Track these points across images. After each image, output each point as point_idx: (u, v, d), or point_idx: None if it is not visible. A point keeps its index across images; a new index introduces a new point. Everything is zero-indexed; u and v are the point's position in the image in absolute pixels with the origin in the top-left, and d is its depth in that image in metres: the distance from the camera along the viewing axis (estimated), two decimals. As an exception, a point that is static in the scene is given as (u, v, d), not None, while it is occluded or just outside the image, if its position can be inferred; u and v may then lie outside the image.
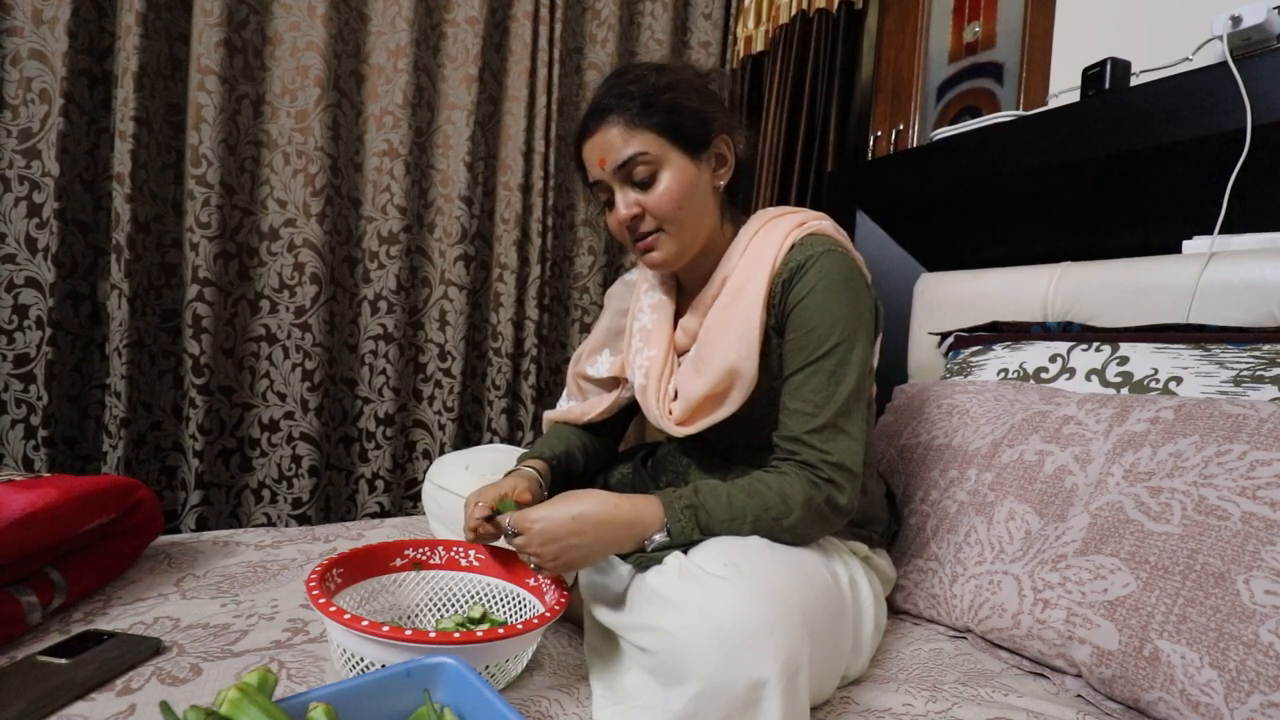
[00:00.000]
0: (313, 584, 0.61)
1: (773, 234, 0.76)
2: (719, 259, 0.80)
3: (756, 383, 0.74)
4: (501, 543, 0.73)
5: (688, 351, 0.82)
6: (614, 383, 0.92)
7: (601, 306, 1.64)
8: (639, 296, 0.90)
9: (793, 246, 0.74)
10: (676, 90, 0.74)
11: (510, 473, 0.83)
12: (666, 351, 0.83)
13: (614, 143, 0.73)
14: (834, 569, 0.69)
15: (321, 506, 1.39)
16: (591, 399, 0.94)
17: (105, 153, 1.22)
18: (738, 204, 0.84)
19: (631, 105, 0.72)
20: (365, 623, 0.55)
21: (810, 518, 0.66)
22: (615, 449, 1.01)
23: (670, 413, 0.80)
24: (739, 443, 0.81)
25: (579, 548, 0.64)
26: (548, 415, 0.99)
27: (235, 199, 1.31)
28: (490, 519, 0.73)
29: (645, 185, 0.73)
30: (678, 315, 0.86)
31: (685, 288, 0.87)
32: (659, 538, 0.64)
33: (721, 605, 0.54)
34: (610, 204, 0.77)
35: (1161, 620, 0.62)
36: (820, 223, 0.78)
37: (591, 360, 0.94)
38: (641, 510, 0.65)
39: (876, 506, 0.84)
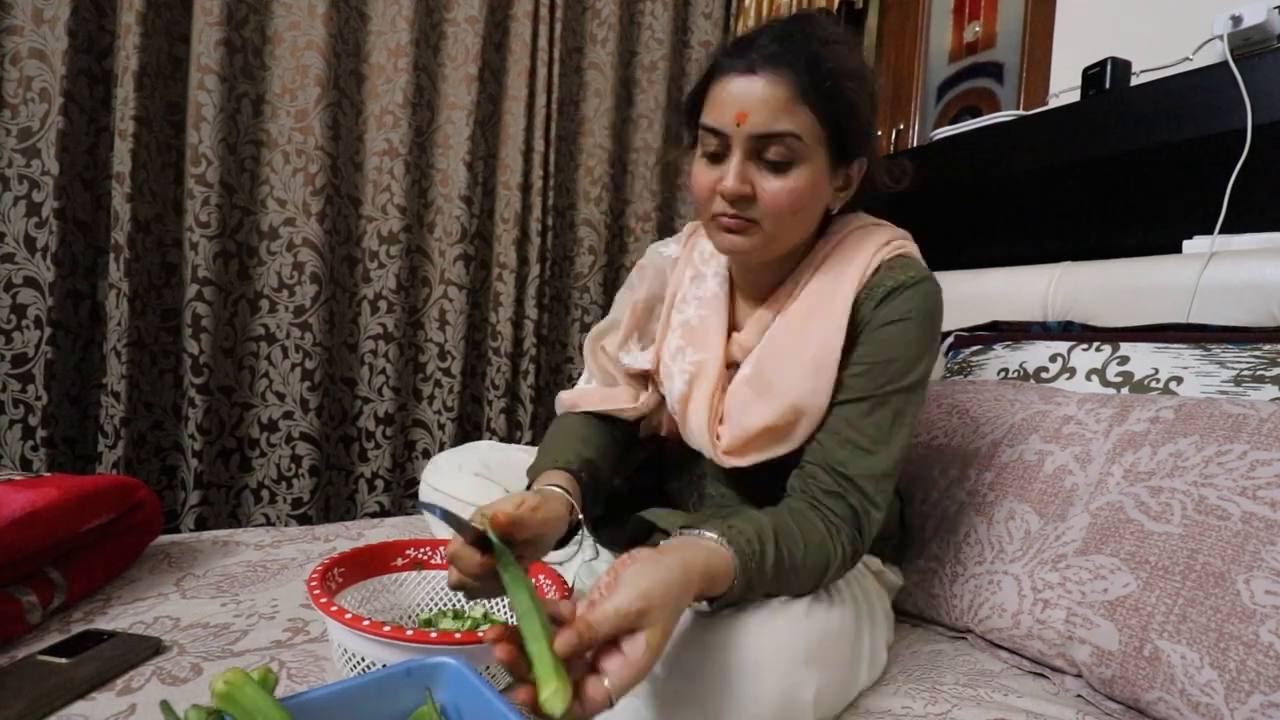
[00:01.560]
0: (314, 583, 0.61)
1: (861, 247, 0.68)
2: (794, 260, 0.70)
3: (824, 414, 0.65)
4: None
5: (738, 362, 0.71)
6: (645, 377, 0.80)
7: (601, 306, 1.65)
8: (684, 282, 0.77)
9: (880, 267, 0.66)
10: (858, 83, 0.62)
11: (536, 492, 0.65)
12: (720, 361, 0.71)
13: (772, 104, 0.59)
14: (851, 592, 0.67)
15: (321, 506, 1.39)
16: (621, 388, 0.80)
17: (105, 152, 1.22)
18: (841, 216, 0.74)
19: (812, 74, 0.59)
20: (366, 622, 0.55)
21: (832, 577, 0.61)
22: (636, 439, 0.85)
23: (718, 438, 0.69)
24: (787, 473, 0.68)
25: (676, 612, 0.48)
26: (565, 396, 0.83)
27: (235, 198, 1.31)
28: (482, 546, 0.54)
29: (775, 168, 0.61)
30: (730, 315, 0.75)
31: (740, 282, 0.75)
32: (708, 603, 0.54)
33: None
34: (715, 156, 0.64)
35: (1162, 620, 0.62)
36: (910, 244, 0.70)
37: (626, 347, 0.80)
38: (717, 571, 0.52)
39: (892, 524, 0.82)
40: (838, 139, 0.63)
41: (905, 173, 0.71)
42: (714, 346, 0.72)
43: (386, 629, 0.54)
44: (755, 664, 0.53)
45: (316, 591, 0.60)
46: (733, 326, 0.74)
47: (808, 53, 0.60)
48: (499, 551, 0.52)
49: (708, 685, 0.52)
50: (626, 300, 0.82)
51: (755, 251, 0.66)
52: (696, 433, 0.71)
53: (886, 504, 0.64)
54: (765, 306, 0.71)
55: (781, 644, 0.54)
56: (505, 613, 0.73)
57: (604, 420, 0.79)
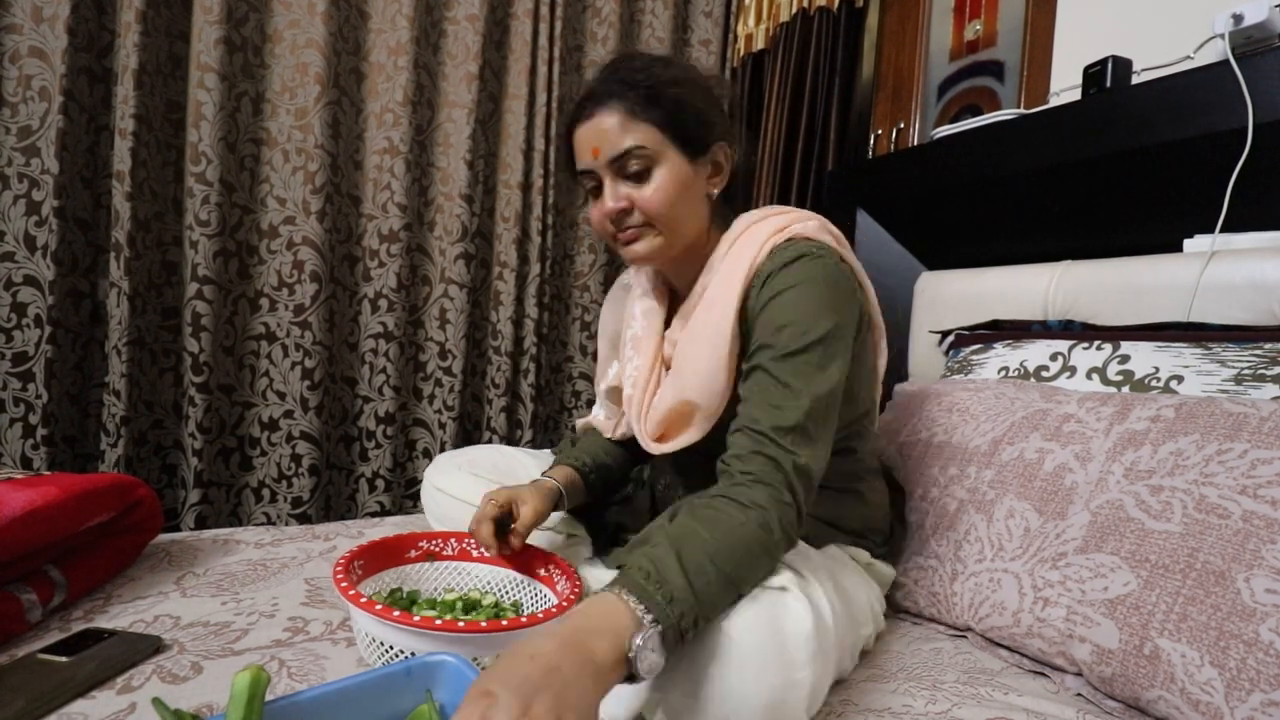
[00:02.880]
0: (340, 576, 0.64)
1: (752, 239, 0.72)
2: (704, 255, 0.76)
3: (729, 402, 0.69)
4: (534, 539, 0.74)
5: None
6: (620, 396, 0.88)
7: (601, 305, 1.65)
8: (632, 302, 0.86)
9: (771, 251, 0.70)
10: (683, 86, 0.71)
11: (534, 482, 0.81)
12: (653, 361, 0.79)
13: (611, 132, 0.69)
14: (841, 577, 0.67)
15: (321, 506, 1.39)
16: (616, 416, 0.90)
17: (105, 150, 1.22)
18: (731, 213, 0.79)
19: (634, 94, 0.69)
20: (397, 613, 0.58)
21: (772, 557, 0.58)
22: (631, 453, 0.94)
23: (646, 428, 0.77)
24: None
25: (566, 689, 0.42)
26: (580, 422, 0.98)
27: (235, 197, 1.31)
28: (500, 527, 0.73)
29: (638, 179, 0.70)
30: (668, 323, 0.83)
31: (679, 293, 0.83)
32: (640, 639, 0.47)
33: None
34: (596, 193, 0.73)
35: (1162, 619, 0.62)
36: (805, 224, 0.73)
37: (604, 373, 0.92)
38: (604, 614, 0.48)
39: (879, 517, 0.83)
40: (682, 135, 0.70)
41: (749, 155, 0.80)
42: (649, 350, 0.80)
43: (417, 619, 0.58)
44: (728, 664, 0.51)
45: (344, 584, 0.62)
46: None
47: (625, 80, 0.70)
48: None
49: (692, 691, 0.52)
50: (601, 333, 0.95)
51: (658, 252, 0.73)
52: (635, 426, 0.78)
53: (814, 457, 0.62)
54: (685, 308, 0.77)
55: (757, 641, 0.52)
56: (528, 605, 0.76)
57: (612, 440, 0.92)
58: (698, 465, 0.74)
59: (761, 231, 0.72)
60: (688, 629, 0.50)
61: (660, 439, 0.75)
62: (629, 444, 0.91)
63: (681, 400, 0.72)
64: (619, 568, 0.55)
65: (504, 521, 0.75)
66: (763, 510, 0.57)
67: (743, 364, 0.69)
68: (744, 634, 0.52)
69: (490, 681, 0.40)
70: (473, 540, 0.80)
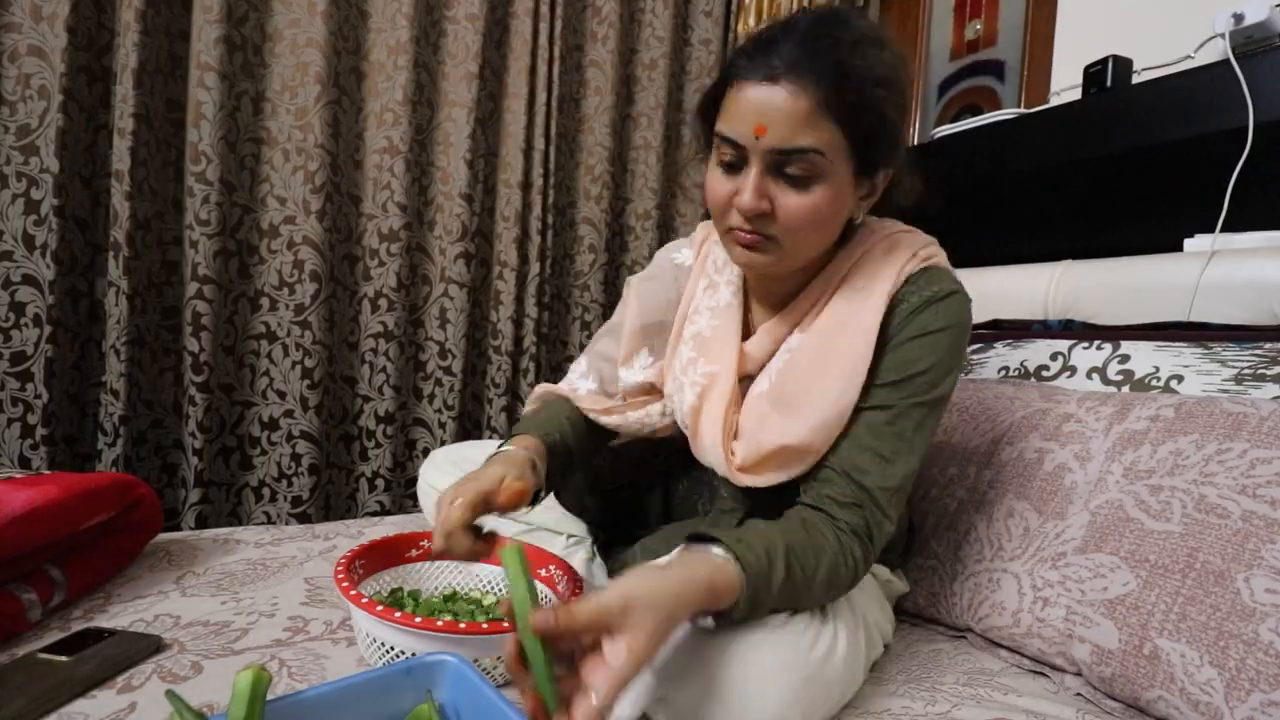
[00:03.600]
0: (341, 576, 0.64)
1: (889, 259, 0.65)
2: (814, 270, 0.67)
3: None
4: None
5: (752, 375, 0.69)
6: (647, 390, 0.77)
7: (601, 305, 1.65)
8: (696, 292, 0.74)
9: (909, 279, 0.64)
10: (889, 90, 0.58)
11: (492, 458, 0.65)
12: (732, 374, 0.68)
13: (794, 118, 0.55)
14: (850, 606, 0.65)
15: (321, 505, 1.38)
16: (616, 405, 0.78)
17: (104, 149, 1.21)
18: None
19: (838, 85, 0.55)
20: (398, 614, 0.58)
21: (839, 592, 0.60)
22: (607, 440, 0.83)
23: (732, 454, 0.66)
24: (799, 485, 0.66)
25: (669, 633, 0.47)
26: (543, 388, 0.82)
27: (235, 196, 1.31)
28: (477, 531, 0.60)
29: (794, 183, 0.58)
30: (745, 325, 0.72)
31: (755, 290, 0.72)
32: (711, 620, 0.53)
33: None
34: (731, 166, 0.60)
35: (1161, 619, 0.62)
36: (939, 254, 0.68)
37: (628, 361, 0.77)
38: (722, 587, 0.51)
39: (899, 533, 0.81)
40: (864, 151, 0.59)
41: (917, 190, 0.69)
42: (728, 359, 0.68)
43: (418, 620, 0.58)
44: (746, 679, 0.52)
45: (345, 584, 0.62)
46: (745, 336, 0.72)
47: (834, 61, 0.55)
48: (512, 565, 0.48)
49: (702, 700, 0.52)
50: (634, 308, 0.79)
51: (772, 267, 0.63)
52: (709, 449, 0.68)
53: (897, 518, 0.62)
54: (781, 317, 0.68)
55: (782, 661, 0.54)
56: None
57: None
58: (775, 490, 0.67)
59: (899, 252, 0.65)
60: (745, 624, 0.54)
61: (751, 470, 0.66)
62: (602, 430, 0.78)
63: (800, 441, 0.62)
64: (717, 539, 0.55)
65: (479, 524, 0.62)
66: (852, 563, 0.59)
67: (867, 383, 0.62)
68: (765, 649, 0.53)
69: (635, 599, 0.44)
70: None
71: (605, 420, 0.76)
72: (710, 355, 0.70)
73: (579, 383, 0.80)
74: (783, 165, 0.58)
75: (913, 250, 0.66)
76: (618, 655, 0.43)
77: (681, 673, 0.53)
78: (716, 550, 0.53)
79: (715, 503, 0.76)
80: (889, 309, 0.63)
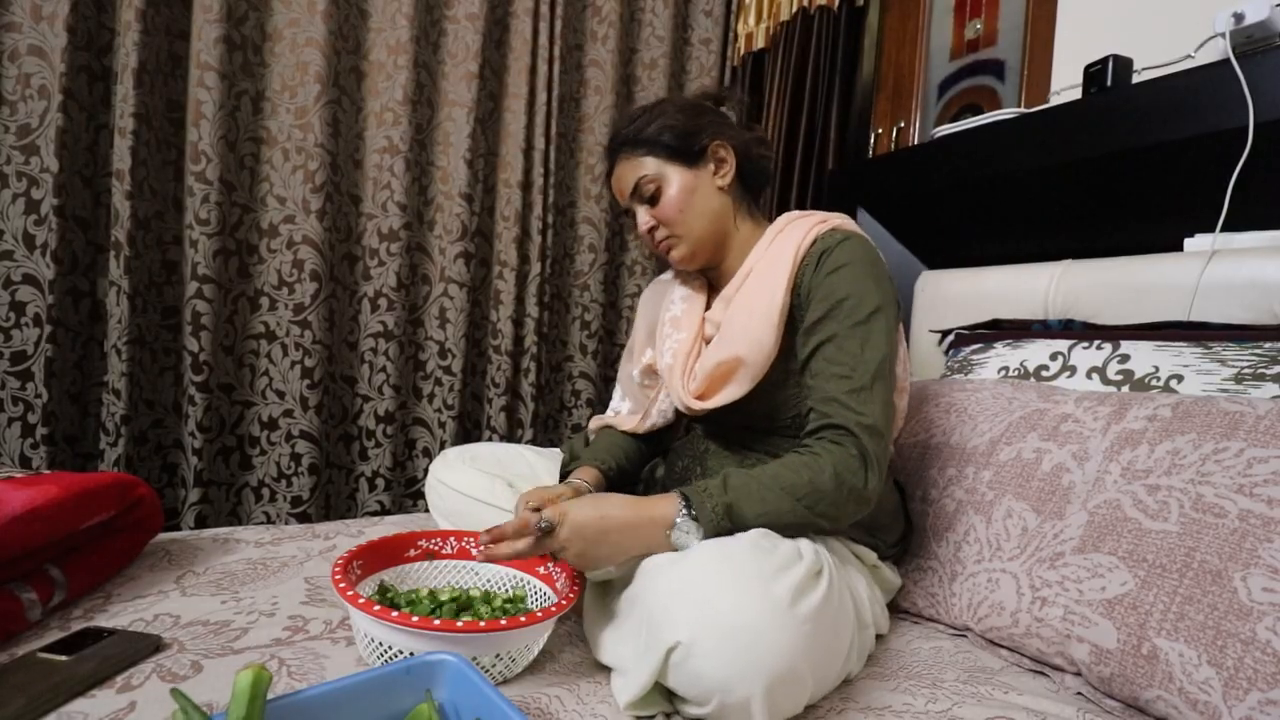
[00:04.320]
0: (338, 577, 0.64)
1: (797, 229, 0.81)
2: (744, 256, 0.85)
3: (773, 363, 0.77)
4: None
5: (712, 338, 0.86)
6: (651, 372, 0.95)
7: (601, 304, 1.66)
8: (671, 291, 0.95)
9: (817, 239, 0.79)
10: (663, 116, 0.83)
11: (564, 483, 0.86)
12: (695, 336, 0.88)
13: (623, 174, 0.85)
14: (845, 573, 0.70)
15: (321, 505, 1.39)
16: (646, 405, 0.95)
17: (105, 149, 1.22)
18: (758, 197, 0.90)
19: (628, 144, 0.84)
20: (395, 614, 0.58)
21: (844, 499, 0.67)
22: (650, 449, 1.01)
23: (691, 383, 0.84)
24: (757, 427, 0.82)
25: (604, 547, 0.66)
26: (596, 421, 1.02)
27: (235, 196, 1.31)
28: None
29: (653, 201, 0.83)
30: (708, 306, 0.91)
31: (716, 285, 0.91)
32: (679, 527, 0.65)
33: (723, 603, 0.55)
34: (632, 215, 0.87)
35: (1159, 618, 0.62)
36: (844, 220, 0.83)
37: (638, 358, 0.98)
38: (663, 505, 0.67)
39: (888, 515, 0.83)
40: (672, 153, 0.82)
41: (760, 142, 0.88)
42: (691, 326, 0.88)
43: (415, 619, 0.58)
44: (745, 629, 0.55)
45: (342, 585, 0.63)
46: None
47: (620, 137, 0.85)
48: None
49: (703, 660, 0.55)
50: (638, 322, 1.01)
51: (690, 253, 0.84)
52: (677, 387, 0.85)
53: (878, 419, 0.69)
54: (727, 291, 0.85)
55: (774, 604, 0.56)
56: (532, 599, 0.76)
57: (632, 434, 0.97)
58: (728, 433, 0.85)
59: (805, 222, 0.81)
60: (719, 522, 0.65)
61: (702, 396, 0.82)
62: (648, 439, 0.97)
63: (730, 355, 0.78)
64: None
65: None
66: (816, 457, 0.68)
67: (797, 340, 0.77)
68: (747, 544, 0.61)
69: (570, 513, 0.65)
70: (472, 539, 0.81)
71: (644, 429, 0.95)
72: (680, 327, 0.90)
73: (620, 406, 1.01)
74: (642, 196, 0.84)
75: (820, 219, 0.82)
76: (547, 542, 0.65)
77: (689, 637, 0.55)
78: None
79: (706, 474, 0.85)
80: (801, 264, 0.78)
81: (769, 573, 0.58)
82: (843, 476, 0.67)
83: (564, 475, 0.94)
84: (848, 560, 0.75)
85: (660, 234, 0.84)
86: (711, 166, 0.84)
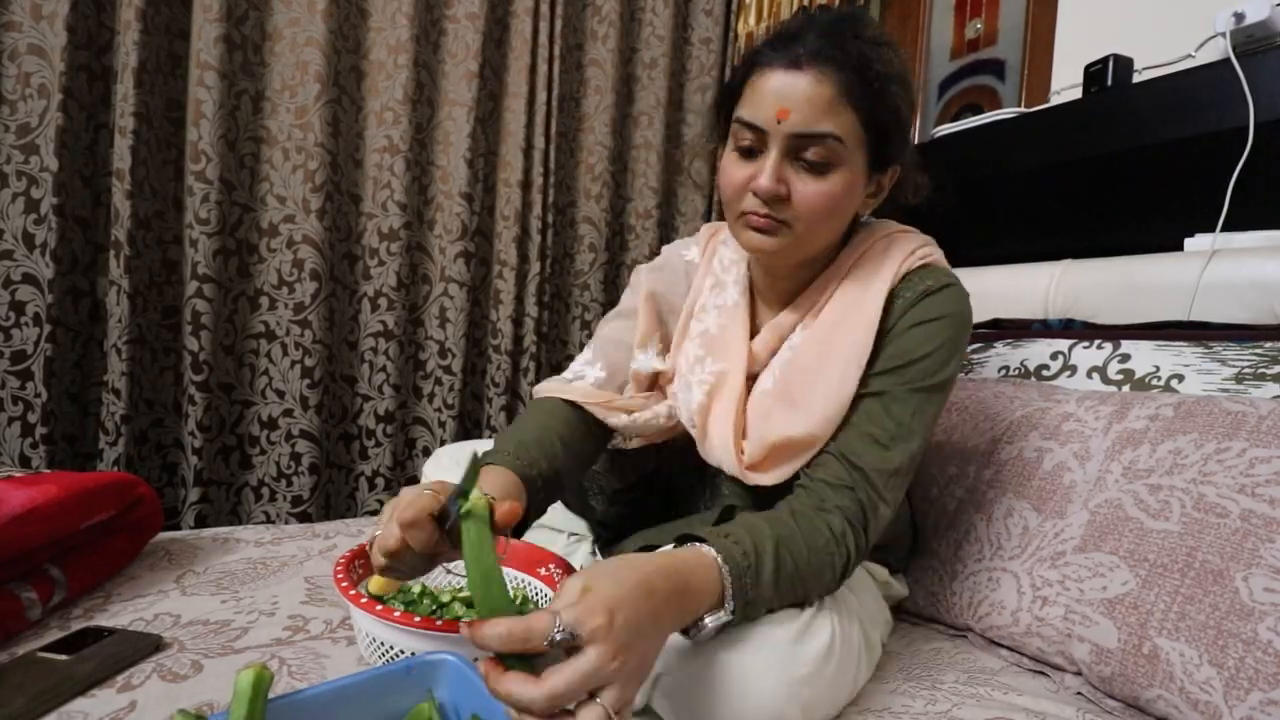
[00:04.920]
0: (340, 576, 0.64)
1: (889, 255, 0.66)
2: (818, 267, 0.69)
3: None
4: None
5: (757, 373, 0.70)
6: (654, 381, 0.76)
7: (601, 304, 1.65)
8: (704, 290, 0.75)
9: (907, 275, 0.66)
10: (905, 89, 0.62)
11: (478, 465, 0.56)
12: (743, 370, 0.69)
13: (817, 103, 0.57)
14: (848, 606, 0.64)
15: (321, 504, 1.39)
16: (625, 398, 0.75)
17: (105, 148, 1.21)
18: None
19: (859, 75, 0.58)
20: (398, 613, 0.58)
21: (839, 580, 0.60)
22: (606, 442, 0.79)
23: (742, 452, 0.66)
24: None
25: (655, 641, 0.45)
26: (546, 386, 0.75)
27: (235, 195, 1.31)
28: (442, 520, 0.51)
29: (811, 169, 0.59)
30: (750, 323, 0.73)
31: (760, 286, 0.73)
32: (711, 621, 0.50)
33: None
34: (749, 152, 0.61)
35: (1160, 618, 0.62)
36: (937, 252, 0.70)
37: (644, 344, 0.75)
38: (704, 582, 0.50)
39: (898, 531, 0.81)
40: (878, 144, 0.61)
41: (923, 188, 0.71)
42: (736, 357, 0.69)
43: (417, 620, 0.57)
44: (744, 679, 0.52)
45: (344, 584, 0.62)
46: (752, 334, 0.72)
47: (857, 53, 0.57)
48: (475, 531, 0.44)
49: (697, 702, 0.52)
50: (647, 291, 0.78)
51: (782, 253, 0.64)
52: (719, 447, 0.68)
53: (895, 503, 0.62)
54: (785, 314, 0.69)
55: (775, 661, 0.53)
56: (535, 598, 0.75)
57: (580, 412, 0.73)
58: (779, 485, 0.67)
59: (898, 249, 0.67)
60: (742, 623, 0.52)
61: (755, 468, 0.66)
62: (603, 430, 0.74)
63: (804, 433, 0.63)
64: (715, 523, 0.56)
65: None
66: (845, 552, 0.59)
67: (867, 373, 0.63)
68: (762, 643, 0.53)
69: (613, 603, 0.41)
70: None
71: (612, 420, 0.73)
72: (718, 353, 0.70)
73: (586, 370, 0.76)
74: (801, 150, 0.59)
75: (911, 248, 0.68)
76: (579, 658, 0.40)
77: (680, 664, 0.53)
78: (705, 549, 0.52)
79: (717, 500, 0.75)
80: (887, 303, 0.64)
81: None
82: (852, 566, 0.60)
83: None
84: (863, 583, 0.72)
85: (779, 213, 0.61)
86: (874, 186, 0.67)
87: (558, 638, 0.39)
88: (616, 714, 0.39)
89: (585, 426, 0.72)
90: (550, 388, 0.75)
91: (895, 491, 0.62)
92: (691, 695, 0.52)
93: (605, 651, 0.39)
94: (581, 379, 0.75)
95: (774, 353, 0.70)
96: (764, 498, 0.68)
